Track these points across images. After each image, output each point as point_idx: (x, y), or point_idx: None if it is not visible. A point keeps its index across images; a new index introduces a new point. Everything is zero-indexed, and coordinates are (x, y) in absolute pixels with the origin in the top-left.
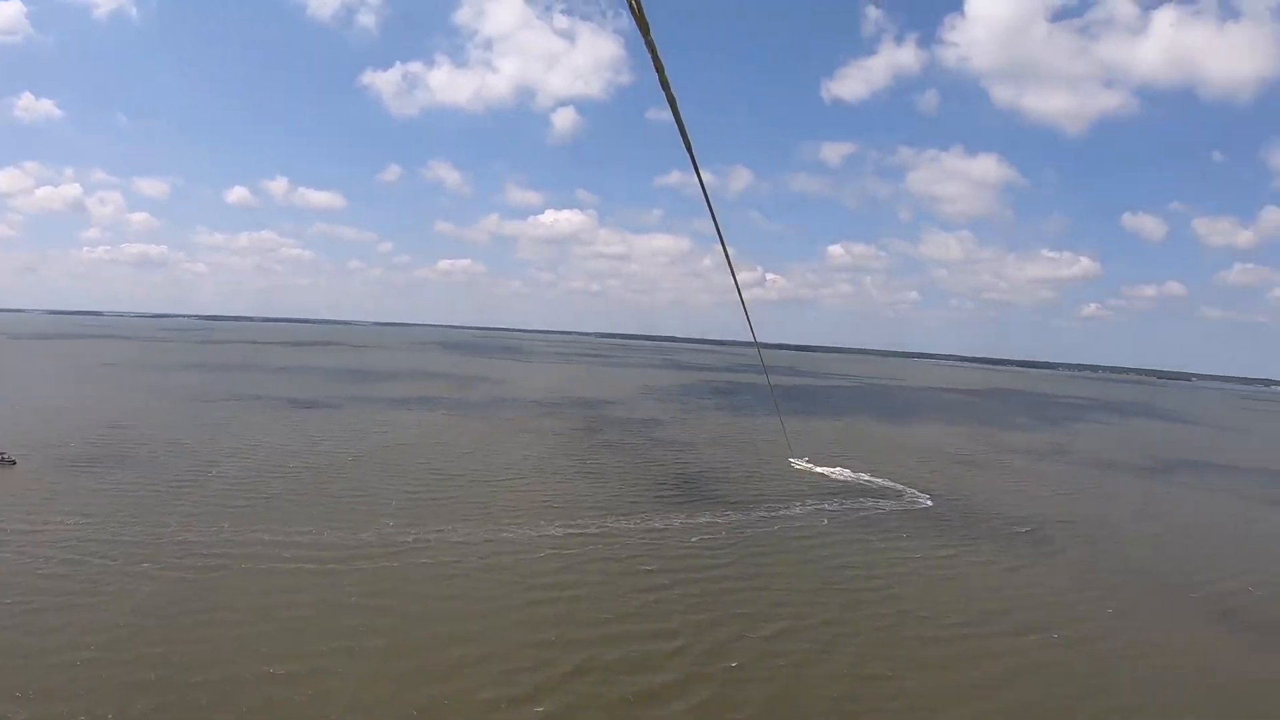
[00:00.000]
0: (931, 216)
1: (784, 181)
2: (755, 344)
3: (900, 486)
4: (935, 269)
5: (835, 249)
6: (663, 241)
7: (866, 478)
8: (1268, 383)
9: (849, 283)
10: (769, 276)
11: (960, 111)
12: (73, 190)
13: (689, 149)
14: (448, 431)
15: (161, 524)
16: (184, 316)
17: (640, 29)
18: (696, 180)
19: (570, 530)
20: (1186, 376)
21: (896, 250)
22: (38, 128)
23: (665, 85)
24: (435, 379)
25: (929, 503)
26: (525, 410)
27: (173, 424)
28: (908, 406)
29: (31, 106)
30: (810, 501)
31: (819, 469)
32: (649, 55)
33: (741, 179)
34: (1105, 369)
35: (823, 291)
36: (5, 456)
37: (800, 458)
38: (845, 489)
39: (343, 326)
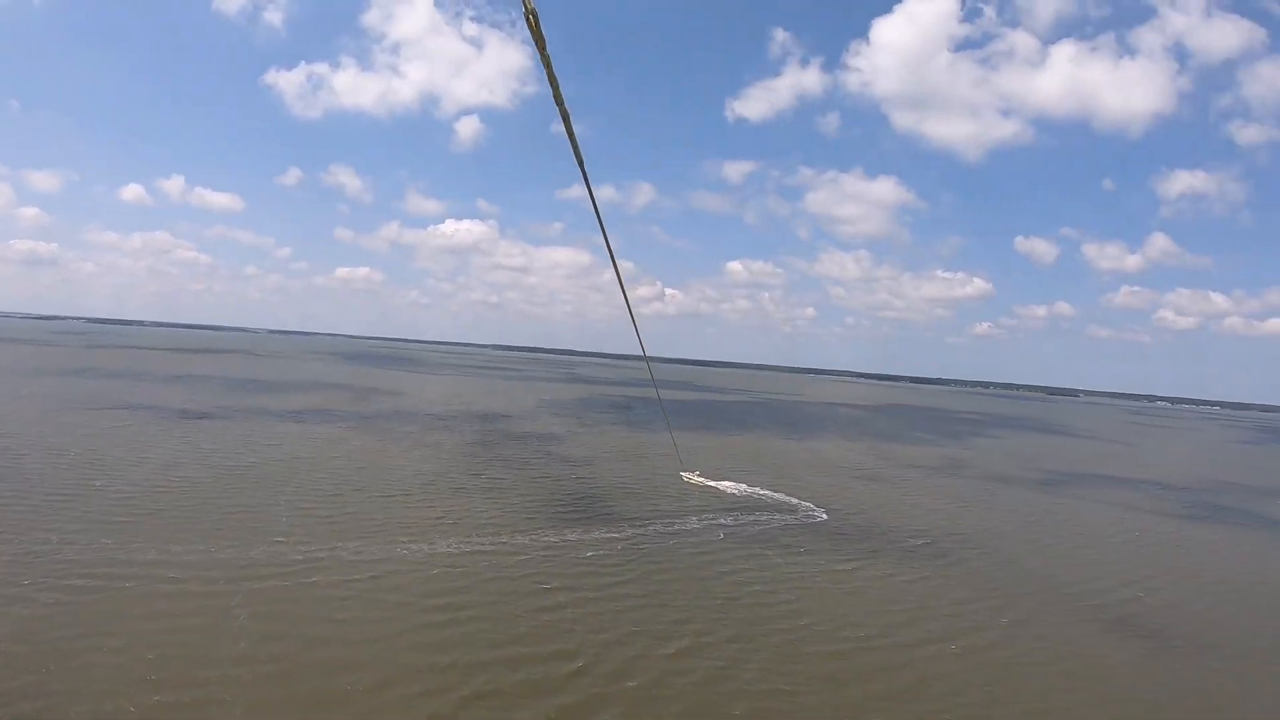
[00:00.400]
0: (830, 236)
1: (686, 198)
2: (645, 358)
3: (796, 500)
4: (832, 287)
5: (735, 265)
6: (563, 254)
7: (761, 491)
8: (1151, 398)
9: (748, 299)
10: (668, 291)
11: (861, 135)
12: None
13: (580, 163)
14: (342, 445)
15: (41, 541)
16: (73, 319)
17: (536, 44)
18: (591, 195)
19: (466, 547)
20: (1074, 393)
21: (795, 268)
22: None
23: (559, 101)
24: (331, 391)
25: (824, 516)
26: (421, 424)
27: (54, 434)
28: (804, 422)
29: None
30: (706, 516)
31: (711, 483)
32: (544, 70)
33: (644, 195)
34: (997, 385)
35: (722, 307)
36: None
37: (692, 471)
38: (740, 503)
39: (238, 334)
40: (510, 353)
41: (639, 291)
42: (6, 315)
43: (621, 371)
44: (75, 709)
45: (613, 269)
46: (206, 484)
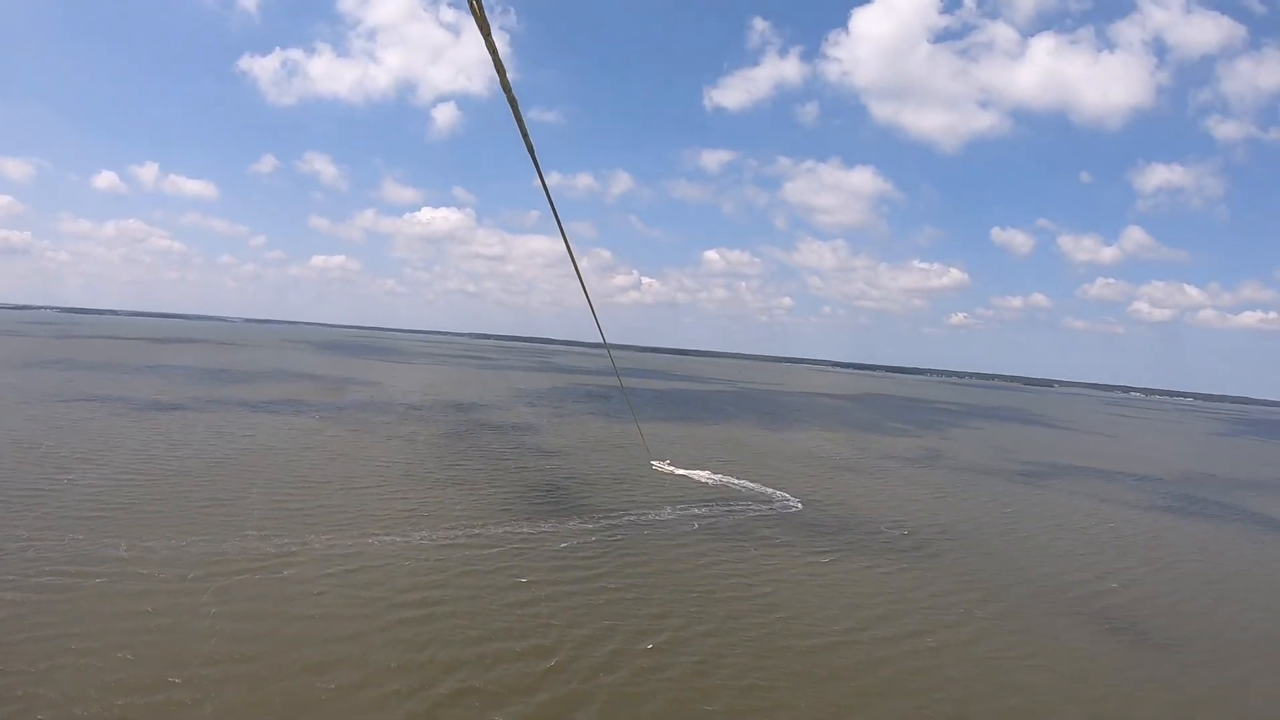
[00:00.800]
0: (807, 225)
1: (664, 188)
2: (605, 345)
3: (771, 491)
4: (810, 276)
5: (712, 254)
6: (540, 243)
7: (736, 481)
8: (1126, 389)
9: (725, 288)
10: (645, 280)
11: (839, 125)
12: None
13: (530, 150)
14: (315, 436)
15: (9, 537)
16: (46, 308)
17: (481, 31)
18: (542, 180)
19: (440, 540)
20: (1050, 383)
21: (772, 257)
22: None
23: (506, 88)
24: (305, 381)
25: (800, 507)
26: (395, 415)
27: (23, 427)
28: (781, 411)
29: None
30: (679, 506)
31: (682, 471)
32: (491, 58)
33: (622, 183)
34: (972, 375)
35: (699, 296)
36: None
37: (663, 460)
38: (714, 494)
39: (213, 323)
40: (487, 341)
41: (615, 280)
42: None
43: (598, 360)
44: (41, 712)
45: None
46: (178, 476)
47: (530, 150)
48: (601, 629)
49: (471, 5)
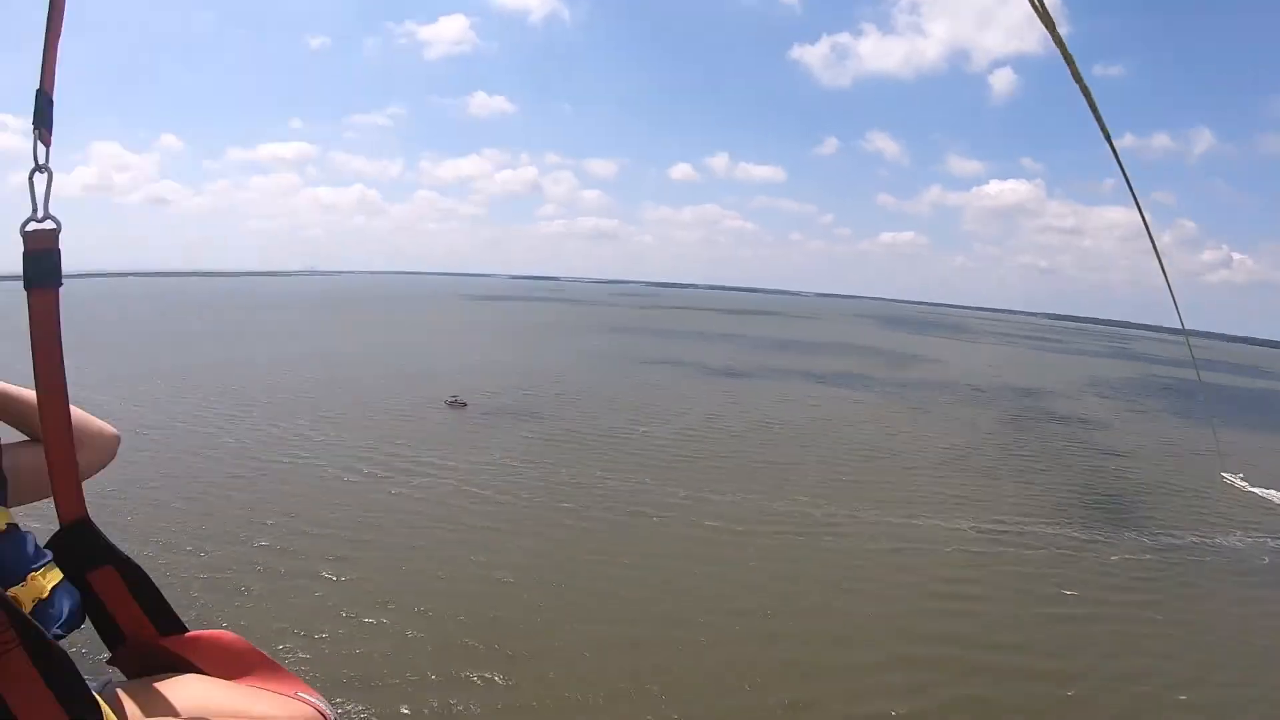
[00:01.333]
0: None
1: (1253, 144)
2: (1183, 331)
3: None
4: None
5: None
6: (1118, 214)
7: None
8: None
9: None
10: (1235, 256)
11: None
12: (529, 173)
13: (1094, 109)
14: (875, 411)
15: (588, 472)
16: (634, 283)
17: (1045, 26)
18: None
19: (986, 530)
20: None
21: None
22: (492, 121)
23: (1077, 78)
24: (868, 355)
25: None
26: (957, 395)
27: (607, 384)
28: None
29: (485, 103)
30: (1254, 533)
31: (1255, 489)
32: (1059, 50)
33: (1203, 142)
34: None
35: None
36: (458, 400)
37: (1234, 474)
38: None
39: (785, 296)
40: (1057, 322)
41: (1202, 257)
42: (576, 280)
43: (1181, 350)
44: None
45: (1147, 234)
46: (740, 438)
47: (1094, 110)
48: (1138, 666)
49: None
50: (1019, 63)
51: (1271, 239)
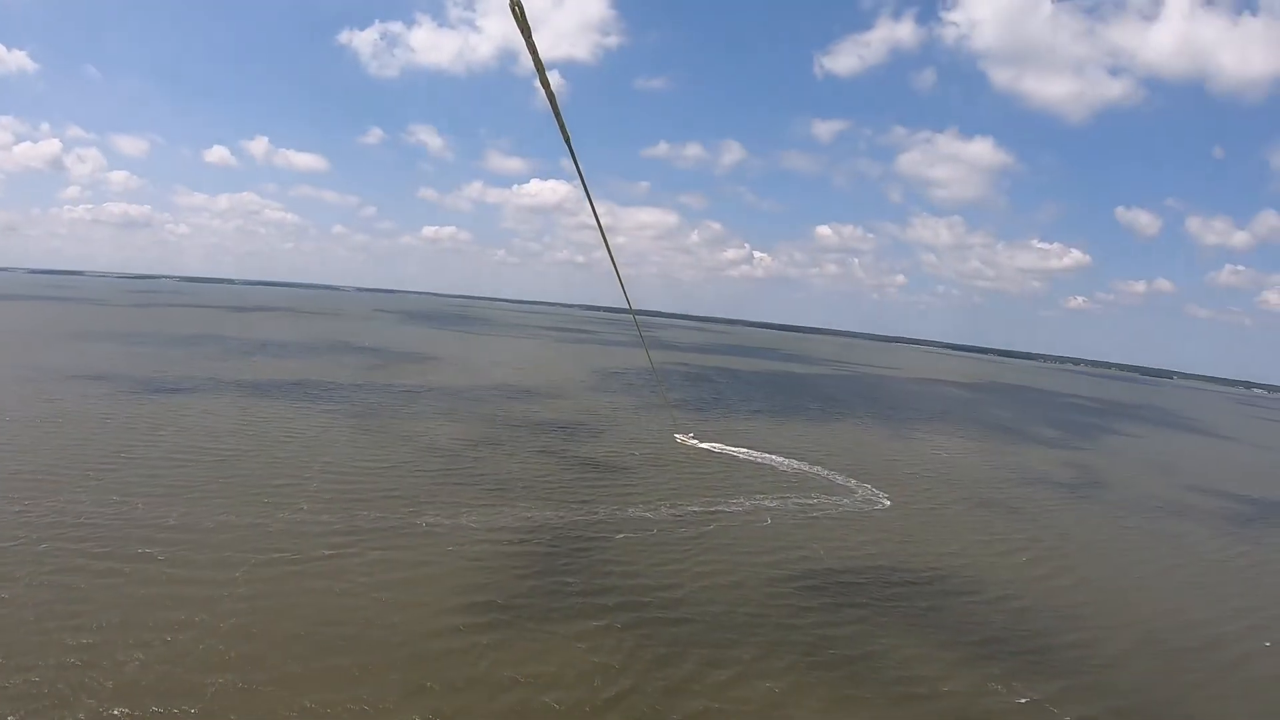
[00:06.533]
0: (922, 200)
1: (775, 157)
2: (631, 311)
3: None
4: (924, 253)
5: (824, 229)
6: (650, 215)
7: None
8: (1248, 385)
9: (837, 264)
10: (756, 255)
11: (957, 92)
12: (51, 147)
13: (567, 140)
14: (311, 434)
15: None
16: (166, 278)
17: (522, 33)
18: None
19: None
20: (1169, 374)
21: (886, 233)
22: (10, 81)
23: (545, 84)
24: (362, 356)
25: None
26: (436, 404)
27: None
28: (904, 406)
29: (3, 58)
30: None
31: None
32: (531, 58)
33: (732, 153)
34: (1086, 362)
35: (810, 272)
36: None
37: (686, 435)
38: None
39: (325, 292)
40: (595, 313)
41: (726, 254)
42: (103, 275)
43: (706, 336)
44: None
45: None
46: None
47: (558, 116)
48: None
49: (513, 9)
50: (567, 68)
51: (787, 240)
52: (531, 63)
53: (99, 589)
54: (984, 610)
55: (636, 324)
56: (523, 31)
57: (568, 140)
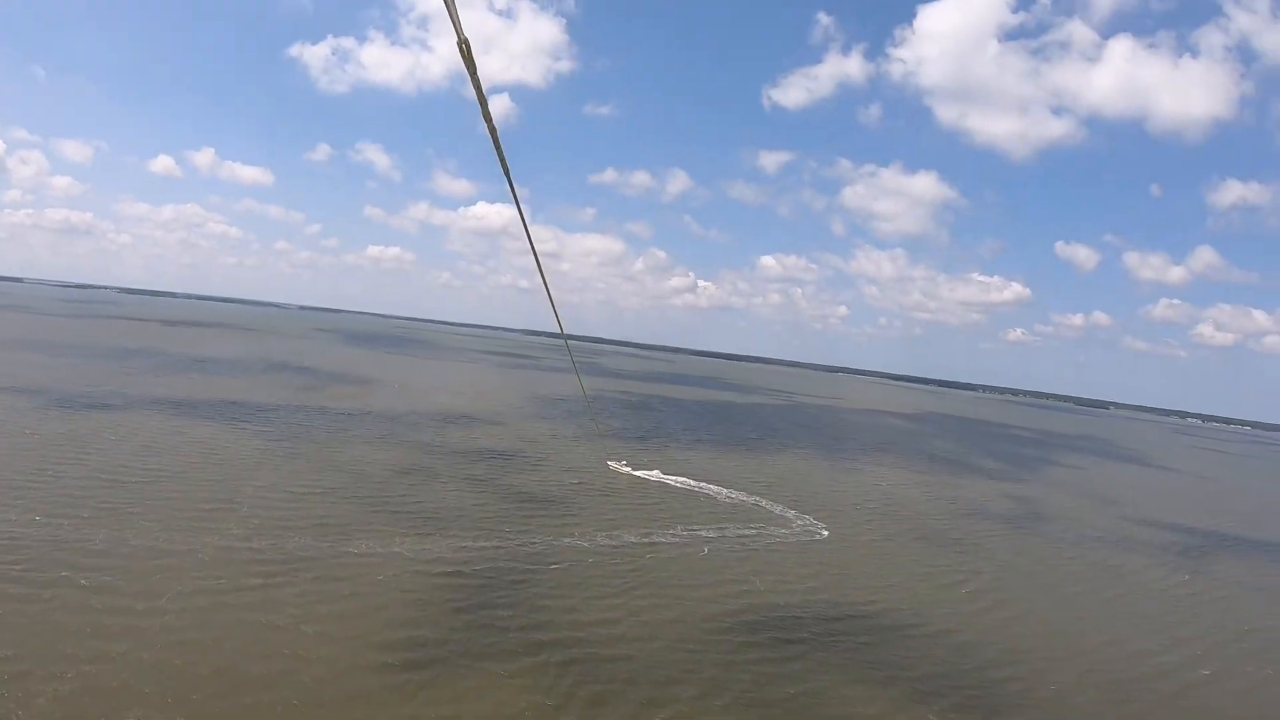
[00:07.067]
0: (866, 232)
1: (721, 187)
2: (563, 336)
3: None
4: (866, 285)
5: (768, 259)
6: (596, 242)
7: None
8: (1183, 414)
9: (780, 294)
10: (701, 283)
11: (903, 127)
12: None
13: (507, 174)
14: (237, 455)
15: None
16: (106, 288)
17: (469, 71)
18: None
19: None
20: (1105, 405)
21: (829, 264)
22: None
23: (488, 118)
24: (300, 376)
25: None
26: (373, 428)
27: None
28: (846, 437)
29: None
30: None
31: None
32: (476, 94)
33: (679, 182)
34: (1026, 392)
35: (754, 301)
36: None
37: (619, 461)
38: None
39: (268, 309)
40: (538, 338)
41: (671, 282)
42: (41, 282)
43: (648, 363)
44: None
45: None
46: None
47: (498, 149)
48: None
49: (460, 48)
50: (517, 91)
51: (731, 269)
52: (475, 98)
53: (14, 615)
54: (925, 645)
55: (569, 348)
56: (469, 69)
57: (508, 175)
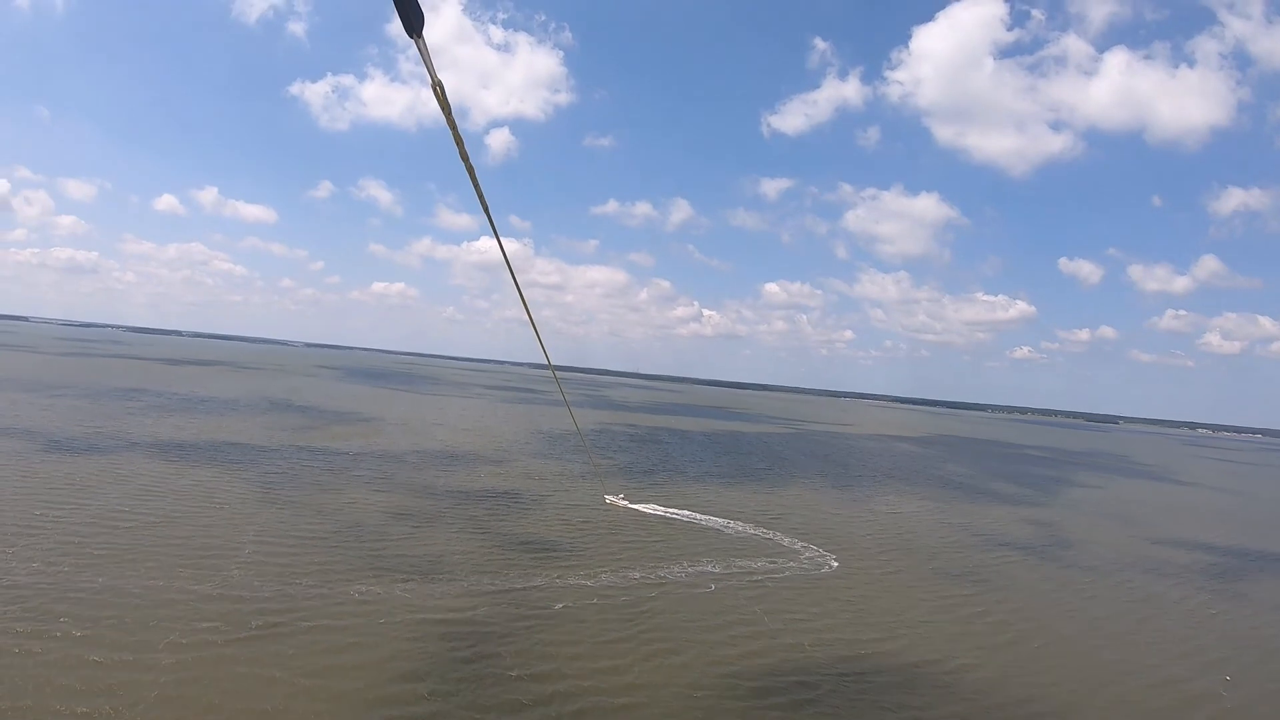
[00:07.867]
0: (869, 255)
1: (723, 216)
2: (550, 367)
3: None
4: (871, 309)
5: (772, 287)
6: (600, 273)
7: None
8: (1192, 426)
9: (785, 321)
10: (706, 312)
11: (902, 149)
12: None
13: (486, 210)
14: (215, 500)
15: None
16: (111, 327)
17: (443, 112)
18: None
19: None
20: (1114, 419)
21: (833, 289)
22: None
23: (464, 157)
24: (303, 416)
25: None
26: (375, 468)
27: None
28: (856, 465)
29: None
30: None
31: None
32: (451, 133)
33: (681, 211)
34: (1034, 410)
35: (759, 329)
36: None
37: (616, 495)
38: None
39: (273, 346)
40: (541, 371)
41: (676, 312)
42: (47, 321)
43: (655, 395)
44: None
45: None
46: None
47: (477, 188)
48: None
49: (434, 90)
50: (516, 125)
51: (735, 297)
52: (453, 138)
53: (4, 668)
54: (947, 682)
55: (556, 380)
56: (444, 110)
57: (486, 211)
